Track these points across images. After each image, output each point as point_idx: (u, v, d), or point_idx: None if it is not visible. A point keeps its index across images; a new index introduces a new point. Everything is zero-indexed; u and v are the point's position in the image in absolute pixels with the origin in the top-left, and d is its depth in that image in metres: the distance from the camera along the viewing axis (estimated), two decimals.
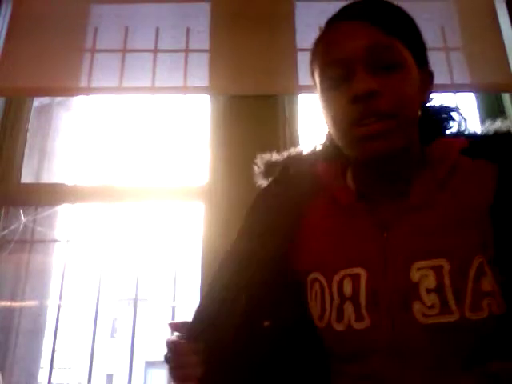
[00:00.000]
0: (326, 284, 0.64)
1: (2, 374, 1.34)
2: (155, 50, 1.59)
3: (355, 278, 0.62)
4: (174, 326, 0.68)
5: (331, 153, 0.74)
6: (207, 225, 1.43)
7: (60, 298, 1.50)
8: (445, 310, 0.57)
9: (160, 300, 11.27)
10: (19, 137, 1.59)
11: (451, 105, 0.74)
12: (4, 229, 1.49)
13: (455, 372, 0.58)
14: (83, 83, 1.55)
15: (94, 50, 1.59)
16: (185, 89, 1.56)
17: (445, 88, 1.57)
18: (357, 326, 0.61)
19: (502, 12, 1.60)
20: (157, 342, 10.50)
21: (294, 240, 0.70)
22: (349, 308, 0.61)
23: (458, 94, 1.63)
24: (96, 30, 1.62)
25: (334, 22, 0.68)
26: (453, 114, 0.73)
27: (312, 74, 0.70)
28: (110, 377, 11.19)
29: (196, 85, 1.55)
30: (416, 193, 0.64)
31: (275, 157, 0.79)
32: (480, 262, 0.58)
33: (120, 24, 1.62)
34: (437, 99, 0.73)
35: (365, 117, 0.60)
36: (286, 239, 0.69)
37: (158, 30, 1.62)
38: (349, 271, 0.63)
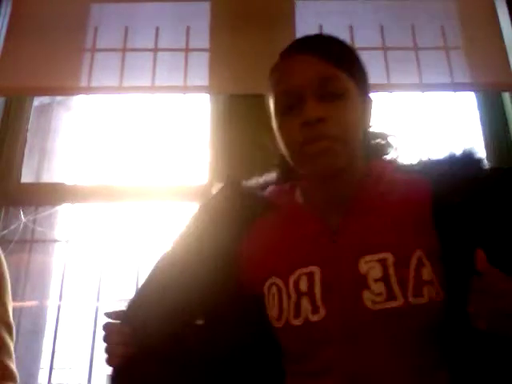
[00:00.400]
0: (282, 284, 0.70)
1: None
2: (155, 50, 1.59)
3: (310, 275, 0.68)
4: (111, 314, 0.76)
5: (283, 174, 0.83)
6: None
7: (60, 298, 1.50)
8: (391, 296, 0.64)
9: None
10: (19, 137, 1.58)
11: (390, 131, 0.83)
12: (4, 229, 1.49)
13: (406, 354, 0.64)
14: (83, 82, 1.55)
15: (94, 50, 1.59)
16: (185, 88, 1.56)
17: (445, 87, 1.57)
18: (313, 318, 0.66)
19: (502, 11, 1.60)
20: None
21: (239, 255, 0.76)
22: (305, 302, 0.67)
23: (458, 93, 1.63)
24: (96, 29, 1.62)
25: (287, 54, 0.78)
26: (390, 139, 0.82)
27: (268, 99, 0.78)
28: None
29: (196, 84, 1.55)
30: (360, 200, 0.73)
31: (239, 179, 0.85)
32: (419, 255, 0.66)
33: (120, 23, 1.62)
34: (378, 125, 0.82)
35: (314, 138, 0.68)
36: (226, 252, 0.76)
37: (157, 29, 1.62)
38: (304, 270, 0.69)
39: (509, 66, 1.52)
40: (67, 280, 1.51)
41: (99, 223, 1.57)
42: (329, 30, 1.60)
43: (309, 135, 0.69)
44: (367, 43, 1.59)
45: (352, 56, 0.77)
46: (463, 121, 1.67)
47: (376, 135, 0.82)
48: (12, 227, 1.52)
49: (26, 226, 1.54)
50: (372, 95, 0.79)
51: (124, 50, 1.59)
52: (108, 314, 0.76)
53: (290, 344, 0.70)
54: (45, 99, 1.84)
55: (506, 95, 1.59)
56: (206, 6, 1.64)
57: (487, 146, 1.56)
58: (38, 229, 1.55)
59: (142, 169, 1.67)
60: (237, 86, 1.53)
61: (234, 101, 1.53)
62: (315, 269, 0.68)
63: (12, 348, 0.99)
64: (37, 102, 1.74)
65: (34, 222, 1.54)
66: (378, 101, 0.82)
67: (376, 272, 0.65)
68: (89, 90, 1.57)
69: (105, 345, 0.74)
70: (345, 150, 0.70)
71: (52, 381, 1.45)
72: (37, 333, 1.62)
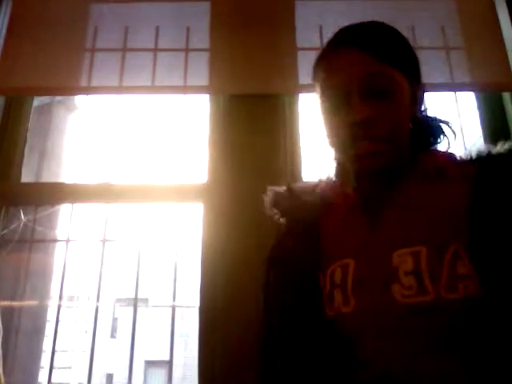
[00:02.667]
0: (322, 277, 0.72)
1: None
2: (155, 49, 1.59)
3: (344, 267, 0.70)
4: None
5: (337, 169, 0.82)
6: (206, 224, 1.43)
7: (60, 298, 1.50)
8: (421, 290, 0.62)
9: (160, 300, 11.26)
10: (19, 136, 1.58)
11: (442, 118, 0.79)
12: (4, 228, 1.49)
13: (436, 350, 0.62)
14: (83, 82, 1.55)
15: (94, 50, 1.59)
16: (185, 88, 1.55)
17: (445, 87, 1.56)
18: (344, 309, 0.67)
19: (502, 11, 1.60)
20: (157, 342, 10.50)
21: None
22: (337, 294, 0.68)
23: (458, 93, 1.63)
24: (96, 29, 1.62)
25: (334, 46, 0.75)
26: (443, 126, 0.79)
27: (315, 86, 0.77)
28: (110, 377, 11.19)
29: (196, 84, 1.55)
30: (403, 194, 0.72)
31: (282, 188, 0.85)
32: (456, 248, 0.63)
33: (120, 23, 1.62)
34: (430, 108, 0.80)
35: (361, 138, 0.68)
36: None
37: (157, 29, 1.61)
38: (340, 262, 0.71)
39: (509, 66, 1.52)
40: (67, 280, 1.51)
41: (99, 223, 1.57)
42: (329, 30, 1.61)
43: (356, 136, 0.68)
44: None
45: (402, 46, 0.74)
46: (463, 121, 1.67)
47: (428, 120, 0.79)
48: (12, 227, 1.53)
49: (25, 225, 1.54)
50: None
51: (124, 50, 1.59)
52: None
53: (337, 333, 0.70)
54: (45, 99, 1.84)
55: (506, 95, 1.59)
56: (206, 6, 1.63)
57: None
58: (38, 229, 1.55)
59: (141, 168, 1.67)
60: (237, 86, 1.53)
61: (233, 101, 1.53)
62: (350, 261, 0.69)
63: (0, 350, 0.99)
64: (37, 101, 1.74)
65: (34, 221, 1.54)
66: None
67: (407, 265, 0.64)
68: (89, 89, 1.57)
69: None
70: (392, 150, 0.70)
71: (52, 380, 1.45)
72: (37, 333, 1.62)
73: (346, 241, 0.73)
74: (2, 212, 1.49)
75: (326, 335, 0.69)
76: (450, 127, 0.78)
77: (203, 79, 1.55)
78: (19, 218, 1.55)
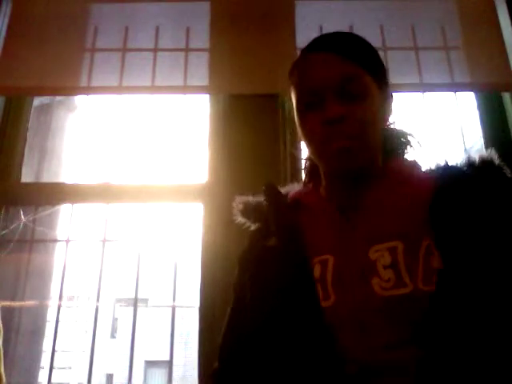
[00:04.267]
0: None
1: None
2: (155, 50, 1.59)
3: (324, 263, 0.72)
4: None
5: (308, 176, 0.88)
6: (206, 224, 1.43)
7: (60, 298, 1.50)
8: (400, 282, 0.65)
9: (160, 300, 11.27)
10: (19, 137, 1.58)
11: (409, 130, 0.85)
12: (4, 228, 1.49)
13: (407, 340, 0.63)
14: (83, 82, 1.55)
15: (94, 50, 1.59)
16: (185, 88, 1.56)
17: (445, 87, 1.57)
18: (325, 304, 0.69)
19: (502, 11, 1.60)
20: (157, 342, 10.51)
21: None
22: (318, 289, 0.70)
23: (458, 93, 1.63)
24: (96, 29, 1.62)
25: (309, 51, 0.80)
26: (410, 138, 0.84)
27: (290, 91, 0.82)
28: (110, 377, 11.19)
29: (196, 84, 1.55)
30: (374, 195, 0.76)
31: (252, 199, 0.89)
32: (428, 244, 0.67)
33: (120, 23, 1.62)
34: (398, 122, 0.85)
35: (333, 136, 0.72)
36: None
37: (157, 29, 1.62)
38: (319, 258, 0.73)
39: (509, 65, 1.52)
40: (67, 280, 1.51)
41: (99, 223, 1.57)
42: (329, 30, 1.60)
43: (329, 134, 0.72)
44: None
45: (373, 54, 0.80)
46: (463, 121, 1.67)
47: (396, 133, 0.84)
48: (12, 227, 1.53)
49: (25, 225, 1.54)
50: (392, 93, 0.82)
51: (124, 50, 1.59)
52: None
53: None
54: (45, 99, 1.84)
55: (506, 95, 1.59)
56: (206, 6, 1.64)
57: (487, 146, 1.56)
58: (38, 229, 1.55)
59: (141, 168, 1.67)
60: (237, 86, 1.53)
61: (233, 101, 1.53)
62: (329, 257, 0.72)
63: (1, 350, 0.99)
64: (37, 101, 1.75)
65: (34, 221, 1.55)
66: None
67: (385, 259, 0.67)
68: (89, 89, 1.57)
69: None
70: (364, 150, 0.73)
71: (52, 380, 1.45)
72: (37, 333, 1.62)
73: (323, 239, 0.76)
74: (2, 212, 1.50)
75: (311, 328, 0.69)
76: (416, 140, 0.84)
77: (203, 79, 1.55)
78: (19, 218, 1.55)
